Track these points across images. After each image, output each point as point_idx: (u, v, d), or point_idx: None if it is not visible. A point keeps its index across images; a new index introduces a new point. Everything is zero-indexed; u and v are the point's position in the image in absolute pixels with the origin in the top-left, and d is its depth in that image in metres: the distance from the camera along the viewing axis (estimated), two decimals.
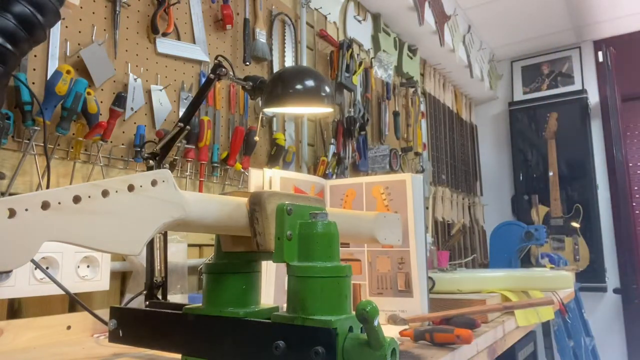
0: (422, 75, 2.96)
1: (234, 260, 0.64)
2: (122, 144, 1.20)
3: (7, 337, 0.84)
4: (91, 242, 0.44)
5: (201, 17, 1.46)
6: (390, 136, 2.48)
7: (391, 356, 0.49)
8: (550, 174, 3.47)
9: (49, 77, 1.04)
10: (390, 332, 0.80)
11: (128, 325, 0.67)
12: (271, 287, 0.96)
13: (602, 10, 3.12)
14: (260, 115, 1.61)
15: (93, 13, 1.17)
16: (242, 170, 1.49)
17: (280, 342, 0.52)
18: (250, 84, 1.10)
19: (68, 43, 1.11)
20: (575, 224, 3.38)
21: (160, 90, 1.30)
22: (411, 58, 2.73)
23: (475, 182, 3.61)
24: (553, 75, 3.66)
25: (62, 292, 0.88)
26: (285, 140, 1.65)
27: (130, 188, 0.47)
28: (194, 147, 1.34)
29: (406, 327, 0.88)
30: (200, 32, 1.45)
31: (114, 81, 1.20)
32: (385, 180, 1.04)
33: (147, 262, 0.93)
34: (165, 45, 1.33)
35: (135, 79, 1.23)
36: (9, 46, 0.74)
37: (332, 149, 1.95)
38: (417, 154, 2.67)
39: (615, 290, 3.25)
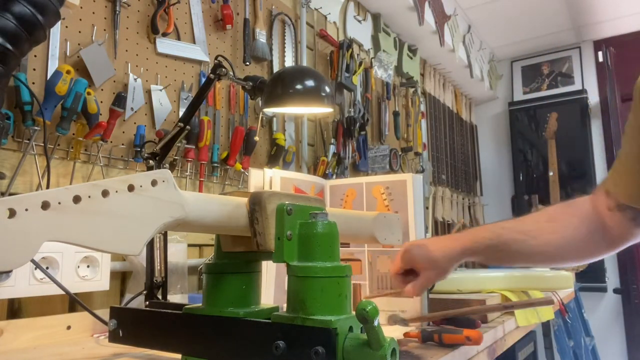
0: (422, 75, 2.96)
1: (234, 260, 0.64)
2: (122, 144, 1.20)
3: (7, 337, 0.84)
4: (91, 242, 0.44)
5: (201, 17, 1.46)
6: (390, 136, 2.48)
7: (391, 356, 0.49)
8: (551, 174, 3.47)
9: (49, 77, 1.04)
10: (393, 332, 0.80)
11: (128, 325, 0.67)
12: (271, 287, 0.96)
13: (602, 10, 3.12)
14: (260, 115, 1.61)
15: (93, 13, 1.17)
16: (242, 170, 1.49)
17: (280, 342, 0.52)
18: (250, 84, 1.10)
19: (68, 43, 1.11)
20: None
21: (160, 90, 1.30)
22: (411, 58, 2.73)
23: (475, 182, 3.61)
24: (553, 75, 3.66)
25: (62, 292, 0.88)
26: (285, 140, 1.65)
27: (130, 188, 0.47)
28: (194, 147, 1.34)
29: (408, 327, 0.88)
30: (200, 32, 1.45)
31: (114, 81, 1.20)
32: (385, 180, 1.04)
33: (147, 262, 0.93)
34: (165, 45, 1.33)
35: (135, 79, 1.23)
36: (9, 46, 0.74)
37: (332, 149, 1.95)
38: (417, 154, 2.67)
39: (615, 290, 3.25)
